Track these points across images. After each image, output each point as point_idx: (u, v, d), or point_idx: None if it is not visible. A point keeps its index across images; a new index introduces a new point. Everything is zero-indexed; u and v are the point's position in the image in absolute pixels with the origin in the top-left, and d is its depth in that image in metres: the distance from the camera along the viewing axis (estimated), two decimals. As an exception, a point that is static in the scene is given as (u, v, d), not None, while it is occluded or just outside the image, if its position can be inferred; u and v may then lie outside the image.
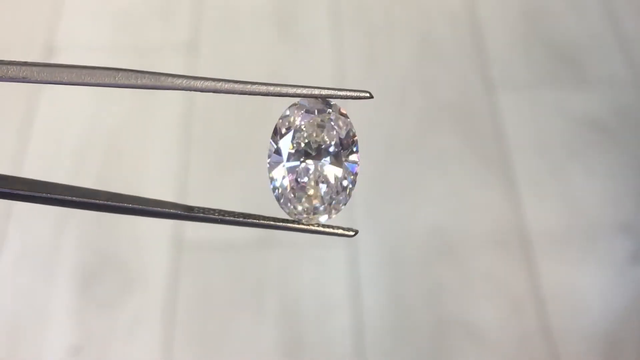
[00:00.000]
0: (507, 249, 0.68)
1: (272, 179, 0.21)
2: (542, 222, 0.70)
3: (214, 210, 0.20)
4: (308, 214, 0.21)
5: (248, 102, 0.74)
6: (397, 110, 0.77)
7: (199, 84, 0.18)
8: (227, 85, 0.18)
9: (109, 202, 0.18)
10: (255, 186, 0.71)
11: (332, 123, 0.21)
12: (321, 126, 0.20)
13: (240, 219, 0.20)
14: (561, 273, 0.67)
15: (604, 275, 0.67)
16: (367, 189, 0.71)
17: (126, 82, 0.17)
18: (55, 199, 0.18)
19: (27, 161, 0.72)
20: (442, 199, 0.71)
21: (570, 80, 0.79)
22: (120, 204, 0.19)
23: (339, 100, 0.20)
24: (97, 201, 0.18)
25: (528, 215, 0.70)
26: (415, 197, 0.71)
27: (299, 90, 0.19)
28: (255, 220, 0.20)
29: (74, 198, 0.18)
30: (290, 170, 0.20)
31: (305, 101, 0.21)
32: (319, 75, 0.79)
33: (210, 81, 0.18)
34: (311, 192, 0.20)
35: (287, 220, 0.21)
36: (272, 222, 0.20)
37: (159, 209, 0.19)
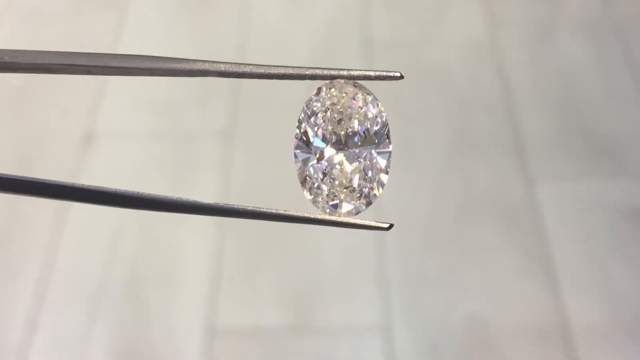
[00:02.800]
0: (548, 343, 0.66)
1: (299, 170, 0.19)
2: (584, 315, 0.67)
3: (235, 205, 0.18)
4: (339, 206, 0.19)
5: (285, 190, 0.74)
6: (435, 201, 0.76)
7: (221, 67, 0.17)
8: (248, 68, 0.17)
9: (134, 195, 0.17)
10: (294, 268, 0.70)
11: (362, 107, 0.19)
12: (350, 112, 0.19)
13: (268, 212, 0.18)
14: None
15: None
16: (404, 279, 0.69)
17: (146, 65, 0.17)
18: (85, 191, 0.17)
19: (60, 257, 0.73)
20: (481, 290, 0.70)
21: (610, 171, 0.78)
22: (147, 196, 0.17)
23: (369, 83, 0.18)
24: (115, 191, 0.17)
25: (569, 308, 0.67)
26: (453, 288, 0.70)
27: (325, 72, 0.18)
28: (284, 213, 0.18)
29: (106, 189, 0.17)
30: (318, 159, 0.19)
31: (332, 84, 0.19)
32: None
33: (232, 64, 0.17)
34: (341, 182, 0.19)
35: (316, 214, 0.19)
36: (303, 215, 0.18)
37: (180, 200, 0.18)
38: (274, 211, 0.18)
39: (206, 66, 0.17)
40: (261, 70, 0.17)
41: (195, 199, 0.18)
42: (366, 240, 0.71)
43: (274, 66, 0.18)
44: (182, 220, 0.75)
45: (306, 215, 0.18)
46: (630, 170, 0.78)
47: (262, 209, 0.18)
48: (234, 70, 0.17)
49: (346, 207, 0.19)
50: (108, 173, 0.79)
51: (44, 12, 0.97)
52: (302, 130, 0.19)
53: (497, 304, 0.68)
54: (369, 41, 0.92)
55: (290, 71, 0.17)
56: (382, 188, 0.19)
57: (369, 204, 0.19)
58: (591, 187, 0.77)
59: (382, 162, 0.19)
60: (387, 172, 0.19)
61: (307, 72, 0.18)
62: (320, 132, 0.19)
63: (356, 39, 0.92)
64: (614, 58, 0.90)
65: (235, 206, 0.18)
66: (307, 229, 0.68)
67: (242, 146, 0.81)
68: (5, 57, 0.17)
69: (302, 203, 0.20)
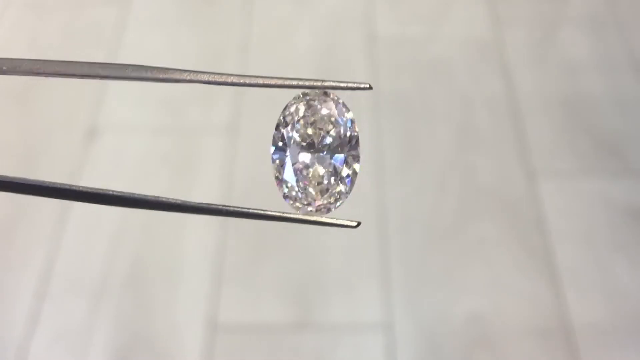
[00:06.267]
0: (549, 340, 0.66)
1: (275, 172, 0.21)
2: (585, 313, 0.67)
3: (217, 204, 0.20)
4: (311, 205, 0.21)
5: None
6: (437, 197, 0.77)
7: (205, 77, 0.19)
8: (231, 78, 0.19)
9: (131, 196, 0.19)
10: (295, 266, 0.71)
11: (334, 116, 0.21)
12: (323, 119, 0.21)
13: (244, 210, 0.20)
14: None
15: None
16: (406, 276, 0.70)
17: (136, 74, 0.18)
18: (95, 194, 0.18)
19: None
20: (482, 287, 0.70)
21: (613, 169, 0.79)
22: (145, 198, 0.19)
23: (342, 93, 0.20)
24: (114, 193, 0.19)
25: (570, 306, 0.68)
26: (454, 284, 0.70)
27: (300, 83, 0.19)
28: (259, 212, 0.20)
29: (112, 192, 0.19)
30: (293, 162, 0.21)
31: (307, 94, 0.21)
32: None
33: (216, 75, 0.19)
34: (313, 184, 0.21)
35: (290, 213, 0.21)
36: (276, 214, 0.20)
37: (165, 200, 0.19)
38: (248, 210, 0.20)
39: (191, 76, 0.19)
40: (243, 81, 0.19)
41: (177, 198, 0.20)
42: (368, 237, 0.72)
43: (255, 76, 0.19)
44: (183, 215, 0.75)
45: (279, 214, 0.20)
46: (633, 168, 0.78)
47: (235, 208, 0.20)
48: (217, 80, 0.19)
49: (317, 205, 0.21)
50: (111, 167, 0.80)
51: (46, 4, 0.98)
52: (279, 134, 0.21)
53: (499, 301, 0.69)
54: (373, 37, 0.92)
55: (269, 82, 0.19)
56: (352, 188, 0.21)
57: (339, 202, 0.21)
58: (594, 185, 0.77)
59: (352, 163, 0.21)
60: (356, 173, 0.21)
61: (285, 83, 0.19)
62: (295, 136, 0.21)
63: (360, 35, 0.93)
64: (618, 56, 0.90)
65: (205, 204, 0.19)
66: (309, 226, 0.67)
67: (245, 141, 0.82)
68: (4, 67, 0.19)
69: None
